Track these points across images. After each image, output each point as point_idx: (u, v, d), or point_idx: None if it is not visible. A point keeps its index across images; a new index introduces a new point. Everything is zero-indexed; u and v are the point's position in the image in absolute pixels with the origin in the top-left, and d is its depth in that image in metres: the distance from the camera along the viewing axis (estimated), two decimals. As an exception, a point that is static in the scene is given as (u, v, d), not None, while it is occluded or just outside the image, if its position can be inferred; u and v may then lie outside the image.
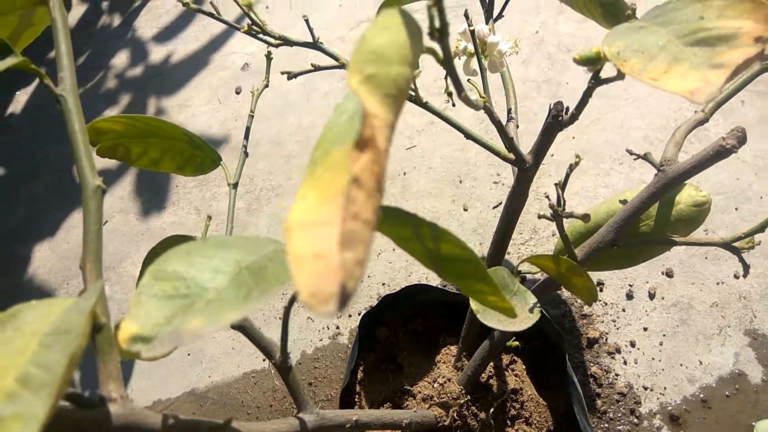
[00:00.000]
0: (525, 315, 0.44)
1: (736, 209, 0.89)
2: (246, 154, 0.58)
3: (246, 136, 0.58)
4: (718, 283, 0.84)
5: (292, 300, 0.43)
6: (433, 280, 0.88)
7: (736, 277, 0.84)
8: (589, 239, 0.50)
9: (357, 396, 0.65)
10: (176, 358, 0.92)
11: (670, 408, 0.77)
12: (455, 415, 0.56)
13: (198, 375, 0.90)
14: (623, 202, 0.51)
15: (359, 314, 0.89)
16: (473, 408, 0.57)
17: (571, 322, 0.84)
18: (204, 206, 1.06)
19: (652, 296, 0.84)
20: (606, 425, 0.75)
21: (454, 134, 1.00)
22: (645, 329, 0.82)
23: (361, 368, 0.65)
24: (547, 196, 0.45)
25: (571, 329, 0.83)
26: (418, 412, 0.56)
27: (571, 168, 0.43)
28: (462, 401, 0.57)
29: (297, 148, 1.11)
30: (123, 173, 1.16)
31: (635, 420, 0.77)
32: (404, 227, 0.31)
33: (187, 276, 0.28)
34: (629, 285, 0.86)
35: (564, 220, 0.50)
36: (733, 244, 0.48)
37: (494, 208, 0.96)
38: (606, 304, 0.85)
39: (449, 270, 0.36)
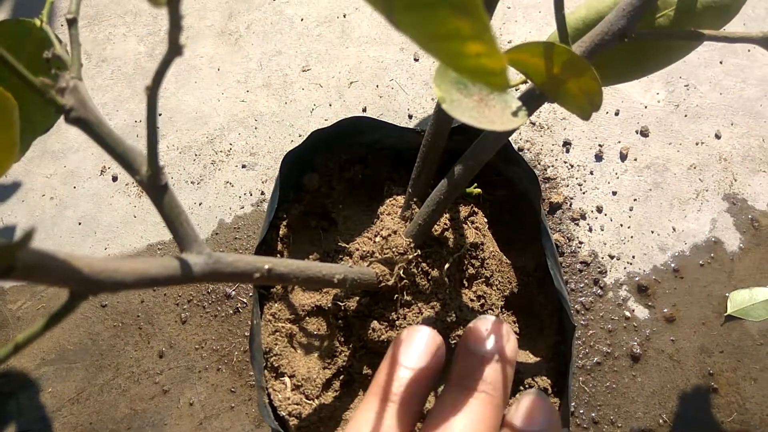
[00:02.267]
0: (507, 116, 0.31)
1: (721, 62, 0.78)
2: None
3: None
4: (697, 144, 0.74)
5: (163, 65, 0.27)
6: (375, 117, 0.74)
7: (717, 137, 0.74)
8: (591, 31, 0.37)
9: (279, 255, 0.52)
10: (64, 227, 0.76)
11: (637, 278, 0.69)
12: (401, 272, 0.45)
13: (91, 247, 0.75)
14: (636, -15, 0.37)
15: (288, 178, 0.75)
16: (423, 265, 0.45)
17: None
18: (96, 50, 0.86)
19: (623, 157, 0.74)
20: (566, 297, 0.67)
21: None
22: (614, 193, 0.72)
23: (284, 223, 0.52)
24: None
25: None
26: (354, 268, 0.44)
27: None
28: (410, 256, 0.45)
29: (214, -16, 0.90)
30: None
31: (599, 291, 0.68)
32: None
33: None
34: (599, 145, 0.75)
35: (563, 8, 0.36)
36: (778, 40, 0.36)
37: (449, 56, 0.81)
38: (572, 166, 0.74)
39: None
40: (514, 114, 0.32)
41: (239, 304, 0.70)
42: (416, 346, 0.38)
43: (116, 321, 0.71)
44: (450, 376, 0.37)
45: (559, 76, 0.35)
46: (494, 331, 0.37)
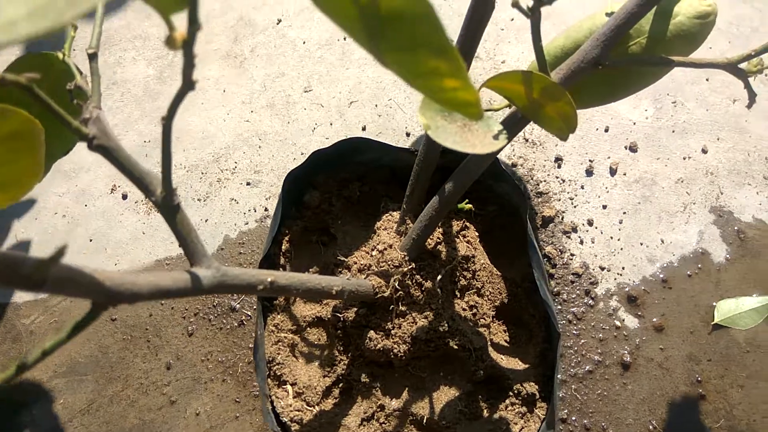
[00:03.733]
0: (488, 140, 0.34)
1: (707, 80, 0.81)
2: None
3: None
4: (684, 158, 0.77)
5: (177, 99, 0.31)
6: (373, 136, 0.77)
7: (704, 151, 0.77)
8: (568, 59, 0.40)
9: (281, 268, 0.55)
10: (76, 243, 0.79)
11: (627, 289, 0.71)
12: (396, 284, 0.47)
13: (102, 262, 0.78)
14: (609, 15, 0.41)
15: (290, 195, 0.78)
16: (417, 277, 0.48)
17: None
18: (107, 73, 0.90)
19: (613, 172, 0.77)
20: (559, 307, 0.69)
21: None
22: (604, 207, 0.75)
23: (286, 238, 0.55)
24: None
25: (525, 209, 0.75)
26: (352, 280, 0.46)
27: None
28: (405, 269, 0.47)
29: (219, 6, 0.94)
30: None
31: (590, 302, 0.71)
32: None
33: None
34: (589, 160, 0.78)
35: (541, 36, 0.39)
36: (740, 66, 0.39)
37: (445, 76, 0.85)
38: (564, 181, 0.77)
39: (393, 39, 0.25)
40: (495, 137, 0.35)
41: (243, 317, 0.73)
42: None
43: (126, 334, 0.74)
44: None
45: (538, 101, 0.38)
46: None
